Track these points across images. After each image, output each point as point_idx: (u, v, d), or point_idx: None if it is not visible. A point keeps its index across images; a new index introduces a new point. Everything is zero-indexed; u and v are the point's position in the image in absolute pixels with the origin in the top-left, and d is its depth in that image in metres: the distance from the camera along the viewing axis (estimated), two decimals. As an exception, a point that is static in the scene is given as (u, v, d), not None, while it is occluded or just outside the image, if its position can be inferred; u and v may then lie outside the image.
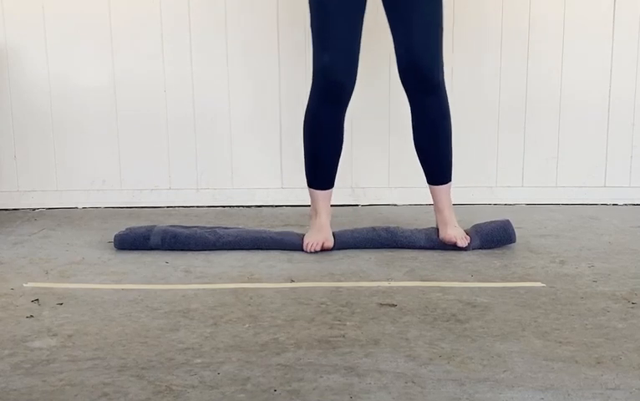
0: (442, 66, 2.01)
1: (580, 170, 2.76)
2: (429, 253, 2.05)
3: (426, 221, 2.33)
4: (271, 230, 2.22)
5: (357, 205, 2.77)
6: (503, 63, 2.70)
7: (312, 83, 2.05)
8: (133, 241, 2.11)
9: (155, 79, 2.72)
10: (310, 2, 2.01)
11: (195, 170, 2.78)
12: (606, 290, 1.71)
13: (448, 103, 2.06)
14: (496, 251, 2.06)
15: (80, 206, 2.79)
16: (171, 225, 2.20)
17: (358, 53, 2.01)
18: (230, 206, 2.78)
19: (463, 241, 2.06)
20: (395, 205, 2.76)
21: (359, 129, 2.75)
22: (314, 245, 2.06)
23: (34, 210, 2.76)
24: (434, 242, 2.08)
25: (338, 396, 1.18)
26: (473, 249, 2.08)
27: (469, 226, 2.15)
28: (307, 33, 2.70)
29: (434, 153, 2.10)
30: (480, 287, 1.74)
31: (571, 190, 2.77)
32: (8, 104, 2.74)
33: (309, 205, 2.75)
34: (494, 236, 2.08)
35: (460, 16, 2.67)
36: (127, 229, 2.17)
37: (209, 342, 1.41)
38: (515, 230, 2.11)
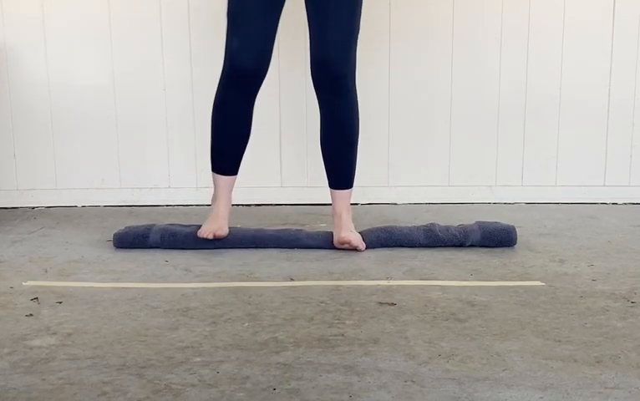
0: (354, 72, 2.00)
1: (579, 169, 2.77)
2: (428, 252, 2.05)
3: (425, 220, 2.33)
4: (271, 228, 2.22)
5: (356, 204, 2.77)
6: (503, 61, 2.70)
7: (222, 67, 2.03)
8: (132, 240, 2.11)
9: (155, 78, 2.72)
10: None
11: (195, 168, 2.78)
12: (606, 289, 1.71)
13: (357, 110, 2.05)
14: (496, 250, 2.06)
15: (79, 205, 2.79)
16: (170, 224, 2.20)
17: (272, 43, 1.99)
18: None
19: (359, 244, 2.04)
20: (395, 203, 2.76)
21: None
22: (206, 232, 2.06)
23: (33, 208, 2.76)
24: (433, 239, 2.08)
25: (337, 395, 1.18)
26: (472, 243, 2.08)
27: (468, 225, 2.15)
28: (305, 35, 2.71)
29: (337, 158, 2.09)
30: (479, 286, 1.74)
31: (571, 189, 2.77)
32: (8, 103, 2.74)
33: (309, 204, 2.76)
34: (495, 236, 2.08)
35: (460, 15, 2.68)
36: (126, 227, 2.17)
37: (208, 340, 1.41)
38: (515, 228, 2.11)
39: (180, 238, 2.09)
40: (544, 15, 2.67)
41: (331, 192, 2.13)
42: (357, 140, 2.09)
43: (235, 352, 1.36)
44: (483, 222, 2.14)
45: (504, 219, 2.29)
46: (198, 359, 1.32)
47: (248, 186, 2.78)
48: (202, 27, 2.70)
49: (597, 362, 1.30)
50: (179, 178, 2.78)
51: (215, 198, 2.15)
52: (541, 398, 1.16)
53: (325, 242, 2.09)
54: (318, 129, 2.74)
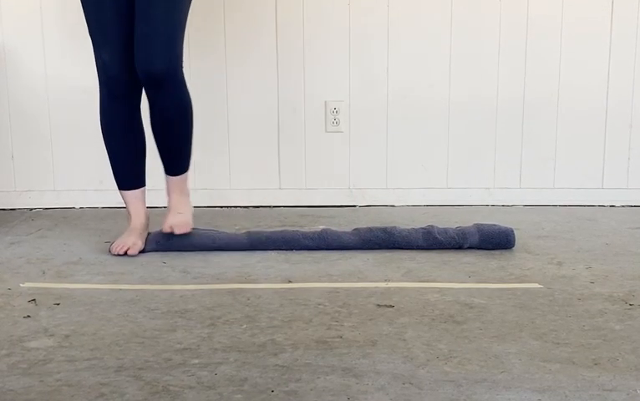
0: (176, 60, 1.96)
1: (577, 172, 2.77)
2: (426, 254, 2.05)
3: (424, 223, 2.33)
4: (268, 230, 2.22)
5: (355, 206, 2.77)
6: (501, 63, 2.70)
7: (99, 84, 2.03)
8: None
9: (153, 79, 2.72)
10: (81, 1, 2.01)
11: (193, 170, 2.76)
12: (604, 291, 1.72)
13: (183, 98, 2.01)
14: (494, 253, 2.06)
15: (77, 206, 2.79)
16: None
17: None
18: (227, 207, 2.78)
19: (180, 228, 2.04)
20: (393, 205, 2.76)
21: (356, 130, 2.75)
22: (117, 247, 2.03)
23: (31, 210, 2.76)
24: (431, 242, 2.08)
25: (336, 397, 1.18)
26: (470, 245, 2.08)
27: (466, 228, 2.15)
28: (303, 37, 2.71)
29: (165, 145, 2.06)
30: (477, 288, 1.74)
31: (569, 192, 2.77)
32: (6, 104, 2.74)
33: (308, 206, 2.76)
34: (493, 239, 2.08)
35: (458, 17, 2.68)
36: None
37: (206, 342, 1.41)
38: (513, 231, 2.12)
39: (175, 242, 2.08)
40: (542, 17, 2.68)
41: (165, 176, 2.11)
42: (187, 132, 2.06)
43: (233, 353, 1.35)
44: (481, 224, 2.14)
45: (502, 221, 2.28)
46: (196, 361, 1.32)
47: (246, 188, 2.78)
48: (199, 27, 2.70)
49: (595, 364, 1.30)
50: (177, 179, 2.78)
51: (128, 214, 2.12)
52: (539, 400, 1.16)
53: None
54: (318, 130, 2.76)
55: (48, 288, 1.77)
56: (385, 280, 1.82)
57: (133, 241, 2.04)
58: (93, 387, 1.22)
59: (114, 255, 2.03)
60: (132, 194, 2.11)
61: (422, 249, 2.08)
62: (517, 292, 1.71)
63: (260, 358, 1.33)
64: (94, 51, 2.00)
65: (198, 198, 2.78)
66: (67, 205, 2.78)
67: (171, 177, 2.10)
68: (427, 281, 1.80)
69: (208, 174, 2.78)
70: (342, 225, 2.37)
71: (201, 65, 2.72)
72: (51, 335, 1.46)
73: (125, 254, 2.02)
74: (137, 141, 2.09)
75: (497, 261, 1.97)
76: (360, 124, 2.75)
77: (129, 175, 2.11)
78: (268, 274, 1.88)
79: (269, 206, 2.77)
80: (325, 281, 1.81)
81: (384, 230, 2.12)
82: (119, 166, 2.11)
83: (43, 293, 1.73)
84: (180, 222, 2.06)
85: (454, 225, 2.19)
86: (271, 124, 2.74)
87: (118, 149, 2.09)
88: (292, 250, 2.09)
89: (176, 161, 2.10)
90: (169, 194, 2.10)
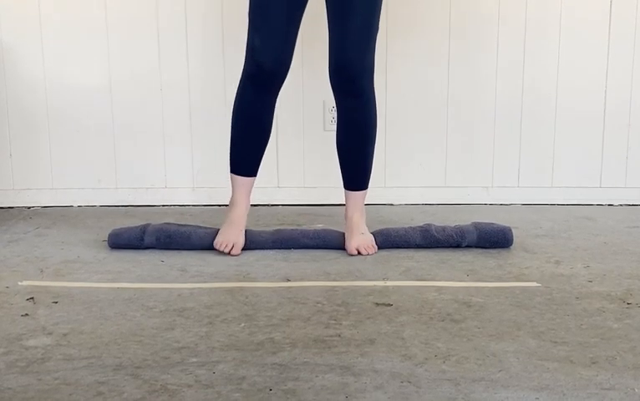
0: (371, 72, 1.99)
1: (575, 171, 2.77)
2: (424, 252, 2.05)
3: (422, 221, 2.33)
4: (267, 229, 2.22)
5: (353, 205, 2.77)
6: (499, 62, 2.70)
7: (243, 66, 2.03)
8: (127, 241, 2.10)
9: (152, 78, 2.72)
10: None
11: (191, 169, 2.78)
12: (602, 290, 1.72)
13: (374, 111, 2.04)
14: (492, 251, 2.06)
15: (76, 205, 2.78)
16: (166, 223, 2.19)
17: (294, 41, 1.99)
18: (226, 205, 2.77)
19: (367, 249, 2.04)
20: (391, 204, 2.76)
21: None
22: (222, 245, 2.04)
23: (29, 208, 2.76)
24: (429, 240, 2.08)
25: (334, 395, 1.18)
26: (468, 244, 2.08)
27: (464, 226, 2.15)
28: (305, 36, 2.71)
29: (352, 158, 2.09)
30: (475, 287, 1.75)
31: (567, 191, 2.77)
32: (4, 103, 2.73)
33: (306, 205, 2.76)
34: (491, 237, 2.08)
35: (456, 16, 2.68)
36: (120, 228, 2.16)
37: (204, 341, 1.41)
38: (511, 230, 2.12)
39: (176, 239, 2.08)
40: (540, 16, 2.68)
41: (344, 192, 2.13)
42: (373, 141, 2.08)
43: (231, 352, 1.36)
44: (479, 223, 2.14)
45: (500, 220, 2.29)
46: (194, 360, 1.32)
47: (245, 187, 2.78)
48: (199, 28, 2.70)
49: (593, 363, 1.30)
50: (175, 178, 2.78)
51: (232, 204, 2.12)
52: (537, 398, 1.16)
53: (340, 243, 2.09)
54: (316, 128, 2.75)
55: (46, 286, 1.77)
56: (383, 278, 1.82)
57: (234, 240, 2.04)
58: (92, 385, 1.22)
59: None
60: (243, 180, 2.10)
61: (420, 247, 2.09)
62: (515, 291, 1.71)
63: (258, 357, 1.33)
64: (249, 34, 1.98)
65: (197, 197, 2.78)
66: (65, 204, 2.78)
67: (353, 193, 2.11)
68: (425, 280, 1.80)
69: (208, 173, 2.78)
70: (341, 224, 2.37)
71: (200, 65, 2.72)
72: (49, 333, 1.46)
73: (229, 254, 2.03)
74: (265, 132, 2.08)
75: (495, 260, 1.98)
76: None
77: (247, 161, 2.10)
78: (266, 272, 1.88)
79: (268, 205, 2.77)
80: (323, 280, 1.81)
81: (382, 231, 2.12)
82: (241, 151, 2.09)
83: (41, 291, 1.73)
84: (366, 243, 2.05)
85: (453, 224, 2.19)
86: (270, 123, 2.74)
87: (244, 135, 2.08)
88: (290, 249, 2.09)
89: (358, 174, 2.10)
90: (349, 213, 2.10)
